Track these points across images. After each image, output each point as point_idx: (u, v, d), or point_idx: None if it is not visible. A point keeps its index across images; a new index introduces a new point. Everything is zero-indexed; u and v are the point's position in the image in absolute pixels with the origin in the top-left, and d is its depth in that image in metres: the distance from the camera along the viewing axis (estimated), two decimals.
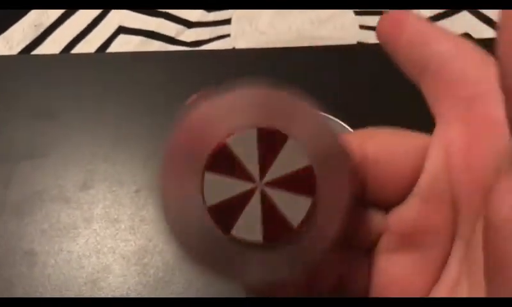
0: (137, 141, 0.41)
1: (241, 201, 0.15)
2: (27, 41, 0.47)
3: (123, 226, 0.37)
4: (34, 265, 0.36)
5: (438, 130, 0.17)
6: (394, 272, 0.17)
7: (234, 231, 0.15)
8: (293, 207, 0.16)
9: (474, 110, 0.16)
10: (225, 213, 0.15)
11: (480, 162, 0.15)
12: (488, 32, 0.46)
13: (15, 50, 0.47)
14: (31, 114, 0.43)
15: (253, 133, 0.15)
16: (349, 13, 0.48)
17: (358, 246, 0.18)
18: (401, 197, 0.17)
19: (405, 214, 0.17)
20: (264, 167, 0.15)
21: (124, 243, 0.37)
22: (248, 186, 0.15)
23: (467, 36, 0.46)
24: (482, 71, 0.16)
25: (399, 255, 0.17)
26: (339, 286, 0.18)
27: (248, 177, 0.15)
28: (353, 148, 0.17)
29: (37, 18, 0.49)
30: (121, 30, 0.48)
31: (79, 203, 0.39)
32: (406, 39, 0.18)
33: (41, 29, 0.48)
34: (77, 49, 0.47)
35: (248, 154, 0.15)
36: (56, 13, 0.49)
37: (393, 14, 0.18)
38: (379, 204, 0.18)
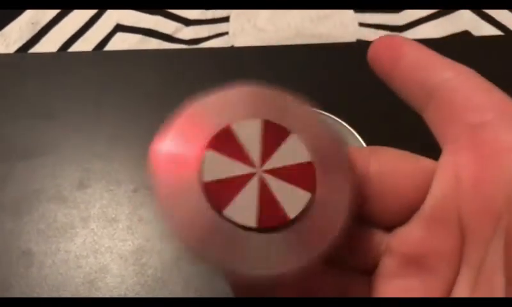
0: (135, 140, 0.41)
1: (238, 183, 0.15)
2: (24, 40, 0.47)
3: (120, 226, 0.37)
4: (31, 265, 0.36)
5: (445, 156, 0.17)
6: (392, 295, 0.17)
7: (227, 212, 0.15)
8: (291, 199, 0.15)
9: (483, 137, 0.16)
10: (220, 192, 0.15)
11: (490, 190, 0.15)
12: (487, 30, 0.46)
13: (11, 48, 0.46)
14: (28, 113, 0.42)
15: (258, 123, 0.16)
16: (349, 11, 0.48)
17: (357, 266, 0.18)
18: (403, 217, 0.17)
19: (409, 236, 0.17)
20: (265, 155, 0.16)
21: (122, 243, 0.37)
22: (247, 170, 0.15)
23: (467, 33, 0.46)
24: (487, 98, 0.16)
25: (401, 278, 0.17)
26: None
27: (248, 161, 0.15)
28: (357, 164, 0.17)
29: (34, 16, 0.48)
30: (119, 28, 0.48)
31: (76, 203, 0.38)
32: (405, 66, 0.18)
33: (39, 27, 0.48)
34: (75, 47, 0.47)
35: (250, 140, 0.16)
36: (53, 11, 0.49)
37: (387, 39, 0.18)
38: (379, 224, 0.17)
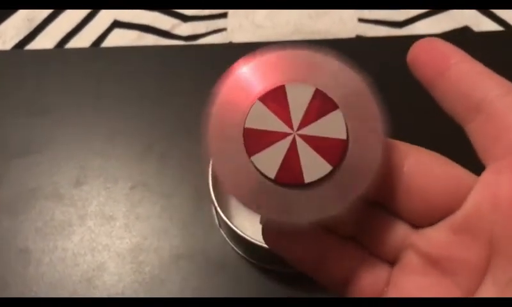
0: (133, 136, 0.41)
1: (273, 138, 0.17)
2: (21, 36, 0.47)
3: (118, 224, 0.37)
4: (28, 263, 0.36)
5: (487, 173, 0.17)
6: (411, 290, 0.18)
7: (254, 159, 0.17)
8: (313, 166, 0.17)
9: None
10: (255, 140, 0.17)
11: None
12: (487, 25, 0.46)
13: (8, 44, 0.46)
14: (25, 110, 0.42)
15: (311, 90, 0.17)
16: None
17: (377, 252, 0.19)
18: (429, 219, 0.18)
19: (436, 238, 0.17)
20: (305, 121, 0.17)
21: (119, 240, 0.36)
22: (284, 129, 0.17)
23: (467, 29, 0.46)
24: None
25: (422, 275, 0.18)
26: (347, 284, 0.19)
27: (288, 122, 0.17)
28: (393, 158, 0.18)
29: (30, 13, 0.48)
30: (116, 24, 0.47)
31: (73, 200, 0.38)
32: (452, 78, 0.18)
33: (35, 24, 0.47)
34: (72, 44, 0.46)
35: (298, 103, 0.17)
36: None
37: (432, 44, 0.19)
38: (406, 219, 0.18)
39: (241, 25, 0.47)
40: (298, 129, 0.17)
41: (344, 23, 0.47)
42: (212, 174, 0.33)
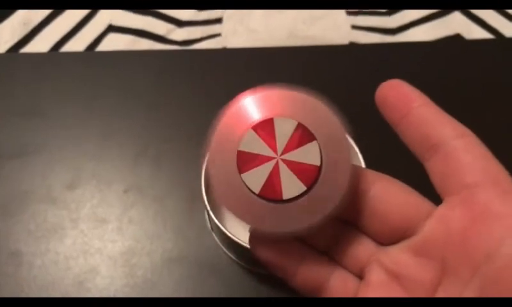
0: (126, 140, 0.41)
1: (260, 160, 0.21)
2: (16, 39, 0.47)
3: (110, 227, 0.37)
4: (20, 266, 0.36)
5: (443, 207, 0.20)
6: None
7: (244, 176, 0.21)
8: (290, 185, 0.21)
9: (476, 200, 0.19)
10: (246, 161, 0.21)
11: (475, 245, 0.18)
12: (479, 33, 0.46)
13: (3, 48, 0.46)
14: (19, 113, 0.42)
15: (294, 123, 0.21)
16: (341, 13, 0.48)
17: (344, 264, 0.22)
18: (391, 239, 0.21)
19: (398, 257, 0.20)
20: (287, 148, 0.21)
21: (112, 244, 0.36)
22: (270, 153, 0.21)
23: (459, 36, 0.46)
24: (485, 165, 0.19)
25: (386, 288, 0.20)
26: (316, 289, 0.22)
27: (273, 148, 0.21)
28: (361, 183, 0.21)
29: (26, 16, 0.48)
30: (111, 28, 0.47)
31: (66, 203, 0.38)
32: (413, 120, 0.21)
33: (30, 27, 0.48)
34: (66, 48, 0.46)
35: (283, 134, 0.21)
36: (44, 11, 0.49)
37: (396, 87, 0.21)
38: (372, 237, 0.22)
39: (236, 30, 0.47)
40: (281, 154, 0.21)
41: (337, 30, 0.47)
42: (204, 179, 0.33)
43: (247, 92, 0.22)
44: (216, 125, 0.22)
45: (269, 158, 0.21)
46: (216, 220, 0.32)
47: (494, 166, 0.19)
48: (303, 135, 0.21)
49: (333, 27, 0.47)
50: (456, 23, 0.47)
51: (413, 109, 0.21)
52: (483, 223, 0.18)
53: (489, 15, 0.47)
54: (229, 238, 0.32)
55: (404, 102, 0.21)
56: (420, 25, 0.47)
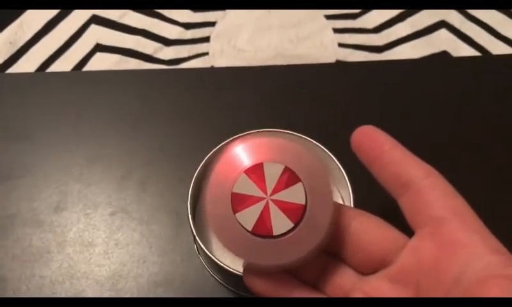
0: (113, 161, 0.40)
1: (252, 200, 0.23)
2: (2, 59, 0.46)
3: (97, 250, 0.37)
4: (4, 292, 0.35)
5: (414, 239, 0.22)
6: None
7: (238, 215, 0.23)
8: (280, 222, 0.23)
9: (443, 231, 0.21)
10: (240, 201, 0.23)
11: (444, 271, 0.20)
12: (465, 51, 0.47)
13: None
14: (4, 134, 0.42)
15: (281, 167, 0.24)
16: (328, 31, 0.48)
17: (327, 292, 0.24)
18: (370, 269, 0.23)
19: (378, 285, 0.23)
20: (276, 189, 0.23)
21: (98, 268, 0.36)
22: (261, 194, 0.23)
23: (445, 54, 0.46)
24: (450, 201, 0.22)
25: None
26: None
27: (263, 189, 0.23)
28: (342, 218, 0.23)
29: (12, 35, 0.48)
30: (99, 48, 0.47)
31: (52, 226, 0.38)
32: (385, 162, 0.23)
33: (17, 47, 0.47)
34: (53, 68, 0.46)
35: (271, 176, 0.23)
36: (31, 30, 0.48)
37: (368, 133, 0.24)
38: (353, 268, 0.24)
39: (223, 49, 0.47)
40: (271, 195, 0.23)
41: (324, 48, 0.47)
42: (191, 203, 0.33)
43: (238, 140, 0.24)
44: (212, 170, 0.24)
45: (260, 199, 0.23)
46: (203, 245, 0.32)
47: (457, 201, 0.22)
48: (290, 177, 0.23)
49: (319, 46, 0.47)
50: (442, 41, 0.47)
51: (384, 152, 0.23)
52: (450, 252, 0.21)
53: (476, 32, 0.48)
54: (215, 262, 0.32)
55: (377, 145, 0.23)
56: (407, 42, 0.47)
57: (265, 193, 0.23)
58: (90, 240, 0.37)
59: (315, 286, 0.25)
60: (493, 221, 0.23)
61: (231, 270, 0.31)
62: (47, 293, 0.35)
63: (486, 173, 0.39)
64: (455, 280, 0.20)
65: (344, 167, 0.34)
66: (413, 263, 0.22)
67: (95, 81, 0.45)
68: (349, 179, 0.34)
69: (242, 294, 0.35)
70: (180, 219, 0.37)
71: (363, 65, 0.46)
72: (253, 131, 0.35)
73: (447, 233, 0.21)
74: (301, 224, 0.23)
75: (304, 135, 0.35)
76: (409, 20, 0.49)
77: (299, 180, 0.23)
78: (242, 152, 0.24)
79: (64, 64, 0.46)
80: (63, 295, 0.35)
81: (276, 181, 0.23)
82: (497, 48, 0.47)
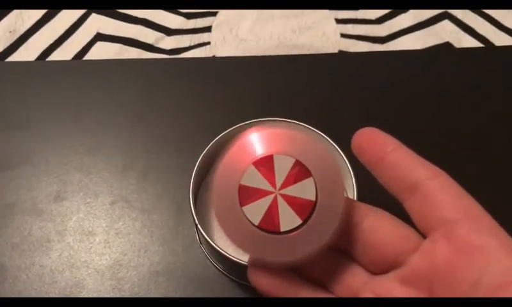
0: (114, 150, 0.40)
1: (260, 194, 0.22)
2: (1, 48, 0.46)
3: (97, 239, 0.36)
4: (4, 281, 0.35)
5: (427, 242, 0.21)
6: None
7: (244, 208, 0.22)
8: (288, 219, 0.22)
9: (456, 234, 0.20)
10: (247, 194, 0.22)
11: (459, 277, 0.20)
12: (468, 42, 0.46)
13: None
14: (5, 124, 0.42)
15: (292, 160, 0.22)
16: (331, 22, 0.48)
17: (340, 293, 0.23)
18: (381, 268, 0.22)
19: (387, 285, 0.22)
20: (285, 183, 0.22)
21: (98, 257, 0.36)
22: (269, 188, 0.22)
23: (448, 45, 0.46)
24: (460, 202, 0.21)
25: None
26: None
27: (272, 183, 0.22)
28: (354, 215, 0.22)
29: (12, 24, 0.47)
30: (99, 37, 0.47)
31: (52, 215, 0.37)
32: (389, 164, 0.22)
33: (17, 36, 0.47)
34: (54, 56, 0.46)
35: (281, 170, 0.22)
36: (31, 19, 0.48)
37: (369, 134, 0.23)
38: (363, 266, 0.23)
39: (225, 39, 0.47)
40: (280, 189, 0.22)
41: (326, 38, 0.47)
42: (193, 191, 0.33)
43: (250, 129, 0.23)
44: (220, 160, 0.23)
45: (268, 193, 0.22)
46: (205, 234, 0.32)
47: (469, 202, 0.21)
48: (300, 171, 0.22)
49: (322, 36, 0.47)
50: (445, 32, 0.47)
51: (387, 154, 0.22)
52: (466, 256, 0.20)
53: (479, 24, 0.47)
54: (218, 251, 0.31)
55: (378, 147, 0.22)
56: (410, 33, 0.47)
57: (274, 187, 0.22)
58: (90, 229, 0.37)
59: (322, 285, 0.24)
60: (501, 218, 0.21)
61: (233, 258, 0.31)
62: (46, 281, 0.35)
63: (494, 159, 0.39)
64: (471, 286, 0.19)
65: (348, 159, 0.34)
66: (426, 266, 0.21)
67: (95, 70, 0.44)
68: (352, 170, 0.33)
69: (245, 283, 0.34)
70: (181, 208, 0.37)
71: (366, 56, 0.45)
72: (263, 119, 0.34)
73: (461, 236, 0.20)
74: (310, 221, 0.22)
75: (306, 125, 0.35)
76: (412, 11, 0.48)
77: (310, 175, 0.22)
78: (252, 143, 0.23)
79: (65, 53, 0.46)
80: (63, 284, 0.35)
81: (285, 175, 0.22)
82: (500, 39, 0.46)
